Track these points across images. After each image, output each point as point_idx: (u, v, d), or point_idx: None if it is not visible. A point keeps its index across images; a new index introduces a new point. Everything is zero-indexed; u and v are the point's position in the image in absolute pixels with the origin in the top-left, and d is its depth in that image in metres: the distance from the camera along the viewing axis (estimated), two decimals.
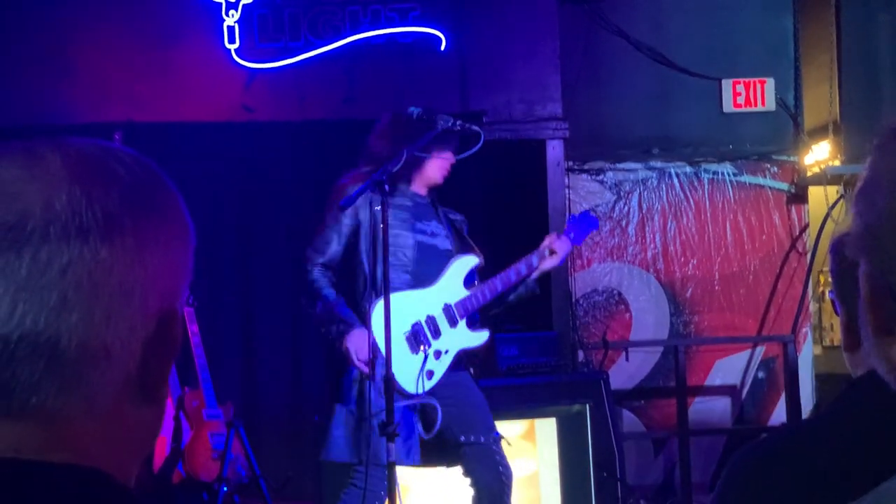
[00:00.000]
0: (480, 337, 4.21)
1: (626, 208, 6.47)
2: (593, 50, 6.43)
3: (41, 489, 0.80)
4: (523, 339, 5.32)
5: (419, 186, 4.21)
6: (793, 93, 6.56)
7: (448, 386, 4.08)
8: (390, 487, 3.64)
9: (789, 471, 1.08)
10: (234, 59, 5.93)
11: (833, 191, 6.34)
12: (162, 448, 5.36)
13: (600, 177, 6.47)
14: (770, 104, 6.51)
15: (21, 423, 0.82)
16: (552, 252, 4.30)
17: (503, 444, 4.11)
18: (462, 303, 4.14)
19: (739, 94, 6.49)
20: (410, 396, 3.97)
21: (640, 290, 6.45)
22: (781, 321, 6.47)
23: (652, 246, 6.47)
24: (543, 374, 5.20)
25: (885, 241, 0.92)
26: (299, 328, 6.21)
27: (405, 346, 4.01)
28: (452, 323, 4.12)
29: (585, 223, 4.52)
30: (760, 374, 6.52)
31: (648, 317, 6.45)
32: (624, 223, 6.46)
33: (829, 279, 1.25)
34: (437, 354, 4.08)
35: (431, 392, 4.03)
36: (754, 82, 6.51)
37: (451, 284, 4.16)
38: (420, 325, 4.07)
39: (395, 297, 3.84)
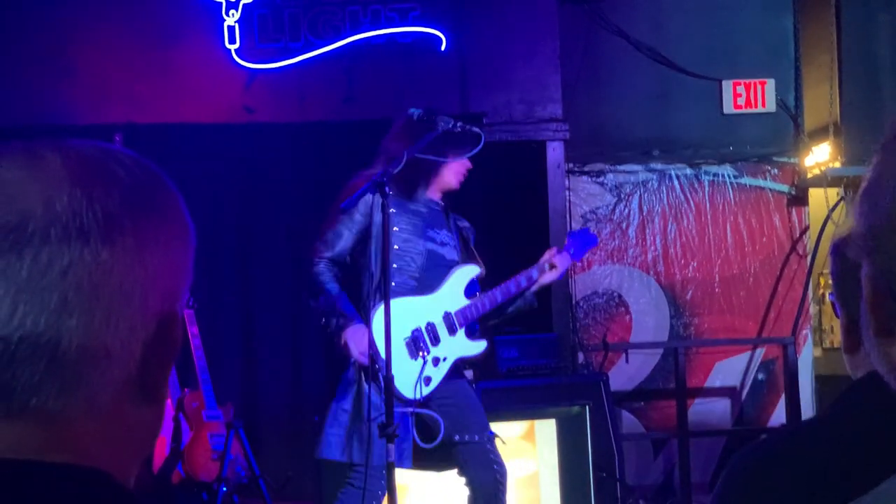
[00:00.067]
0: (478, 346, 4.22)
1: (627, 210, 6.47)
2: (593, 50, 6.42)
3: (41, 489, 0.80)
4: (523, 341, 5.32)
5: (435, 192, 4.21)
6: (793, 93, 6.55)
7: (443, 388, 4.09)
8: (390, 487, 3.65)
9: (789, 472, 1.08)
10: (234, 60, 5.93)
11: (833, 193, 6.33)
12: (162, 448, 5.37)
13: (600, 179, 6.47)
14: (770, 105, 6.51)
15: (21, 424, 0.82)
16: (552, 266, 4.34)
17: (497, 442, 4.12)
18: (462, 311, 4.15)
19: (740, 95, 6.49)
20: (407, 402, 3.97)
21: (640, 292, 6.45)
22: (781, 323, 6.46)
23: (652, 248, 6.47)
24: (543, 376, 5.21)
25: (887, 243, 0.92)
26: (299, 328, 6.21)
27: (405, 351, 4.02)
28: (452, 331, 4.13)
29: (585, 240, 4.57)
30: (760, 376, 6.52)
31: (648, 319, 6.45)
32: (624, 225, 6.46)
33: (830, 281, 1.25)
34: (436, 361, 4.08)
35: (428, 397, 4.04)
36: (755, 83, 6.50)
37: (452, 293, 4.17)
38: (420, 331, 4.07)
39: (397, 303, 3.86)
